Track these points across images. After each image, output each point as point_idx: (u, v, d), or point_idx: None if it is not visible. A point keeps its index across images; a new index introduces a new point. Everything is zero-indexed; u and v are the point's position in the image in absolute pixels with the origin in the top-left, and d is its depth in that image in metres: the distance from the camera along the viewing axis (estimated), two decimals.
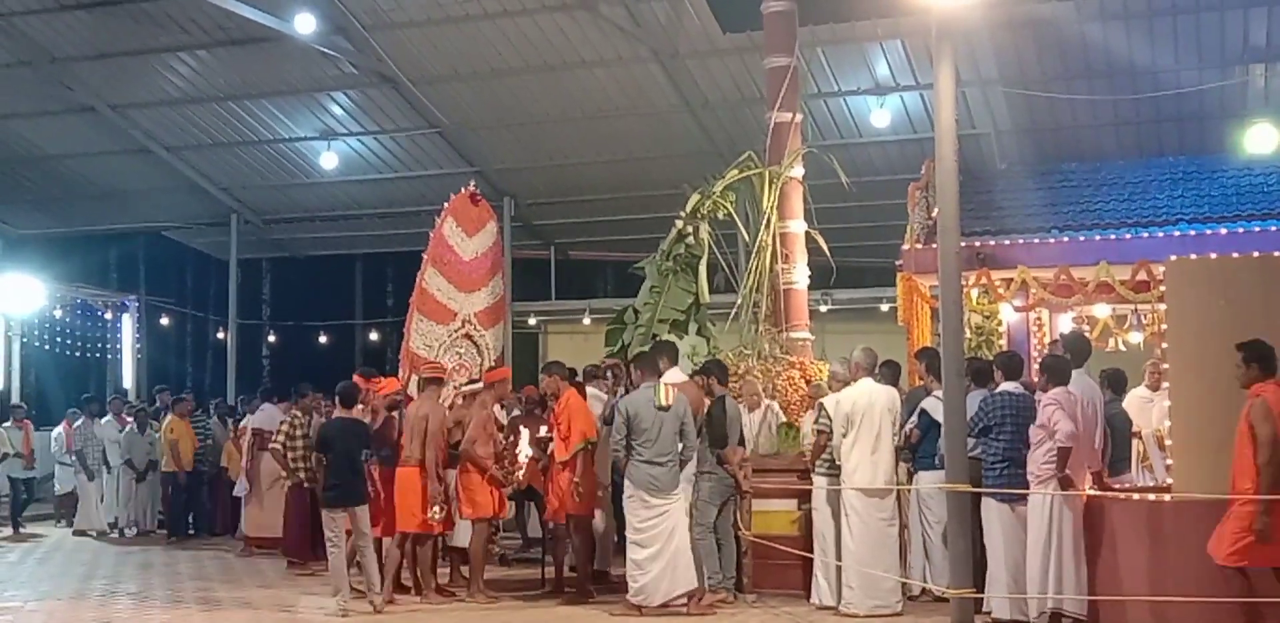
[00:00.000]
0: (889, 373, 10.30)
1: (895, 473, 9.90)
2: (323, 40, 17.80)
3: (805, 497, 10.33)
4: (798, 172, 12.84)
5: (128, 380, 21.87)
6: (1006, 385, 9.31)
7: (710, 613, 9.68)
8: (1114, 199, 13.44)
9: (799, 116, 13.16)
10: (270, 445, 13.06)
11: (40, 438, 17.41)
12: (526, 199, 21.83)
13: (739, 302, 12.57)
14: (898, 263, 12.54)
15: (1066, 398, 8.74)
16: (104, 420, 16.76)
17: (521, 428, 10.89)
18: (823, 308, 18.59)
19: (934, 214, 10.94)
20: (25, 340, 20.68)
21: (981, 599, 8.93)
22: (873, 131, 18.35)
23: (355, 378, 11.20)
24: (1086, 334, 11.49)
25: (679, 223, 12.62)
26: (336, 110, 20.28)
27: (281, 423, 13.02)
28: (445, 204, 11.84)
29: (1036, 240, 12.39)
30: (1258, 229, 11.73)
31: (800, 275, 12.69)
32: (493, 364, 11.74)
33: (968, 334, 11.69)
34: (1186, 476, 8.29)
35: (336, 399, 10.52)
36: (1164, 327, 9.33)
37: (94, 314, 21.74)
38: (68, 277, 22.07)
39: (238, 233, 23.74)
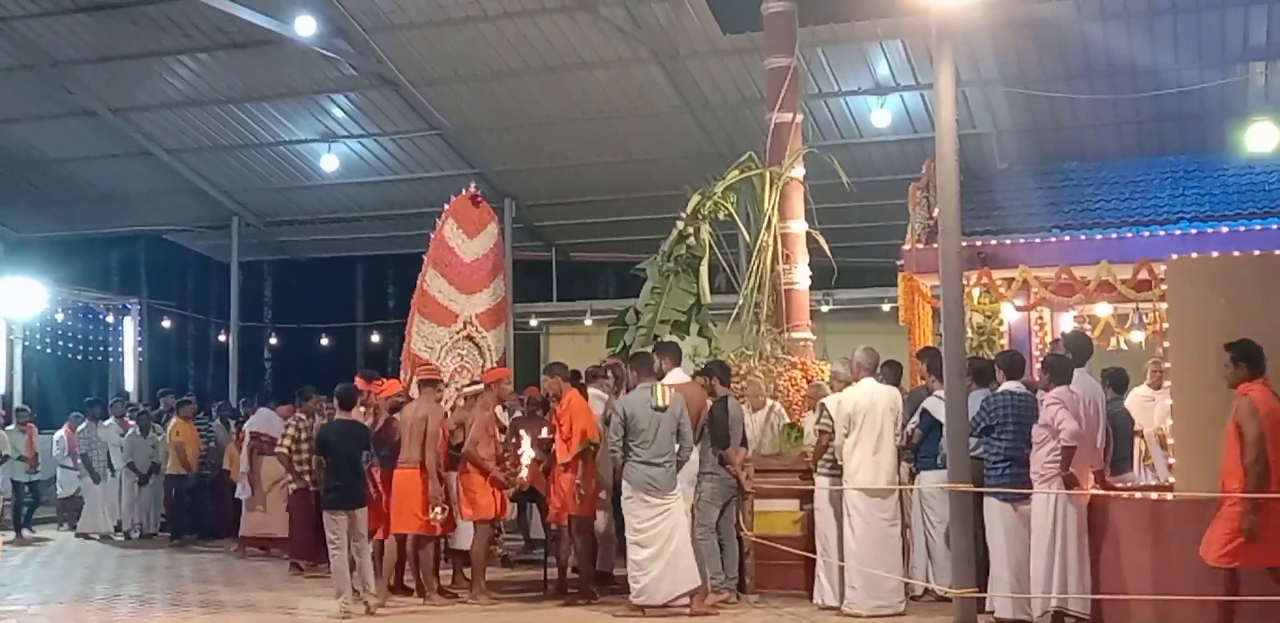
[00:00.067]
0: (891, 373, 10.30)
1: (897, 473, 9.89)
2: (323, 43, 17.79)
3: (807, 497, 10.34)
4: (798, 172, 12.85)
5: (129, 383, 21.87)
6: (1008, 385, 9.31)
7: (713, 613, 9.66)
8: (1115, 198, 13.46)
9: (799, 117, 13.18)
10: (276, 450, 13.07)
11: (42, 441, 17.40)
12: (527, 200, 21.84)
13: (740, 302, 12.57)
14: (899, 263, 12.55)
15: (1069, 397, 8.73)
16: (106, 424, 16.76)
17: (521, 431, 10.89)
18: (824, 308, 18.60)
19: (935, 214, 10.92)
20: (27, 344, 20.65)
21: (984, 599, 8.94)
22: (873, 131, 18.34)
23: (357, 380, 11.21)
24: (1088, 333, 11.51)
25: (680, 224, 12.62)
26: (337, 112, 20.29)
27: (286, 427, 13.04)
28: (446, 206, 11.86)
29: (1037, 240, 12.41)
30: (1259, 228, 11.74)
31: (801, 276, 12.70)
32: (494, 366, 11.75)
33: (969, 334, 11.68)
34: (1189, 474, 8.29)
35: (335, 402, 10.53)
36: (1165, 325, 9.32)
37: (95, 317, 21.74)
38: (69, 280, 22.09)
39: (239, 235, 23.77)
